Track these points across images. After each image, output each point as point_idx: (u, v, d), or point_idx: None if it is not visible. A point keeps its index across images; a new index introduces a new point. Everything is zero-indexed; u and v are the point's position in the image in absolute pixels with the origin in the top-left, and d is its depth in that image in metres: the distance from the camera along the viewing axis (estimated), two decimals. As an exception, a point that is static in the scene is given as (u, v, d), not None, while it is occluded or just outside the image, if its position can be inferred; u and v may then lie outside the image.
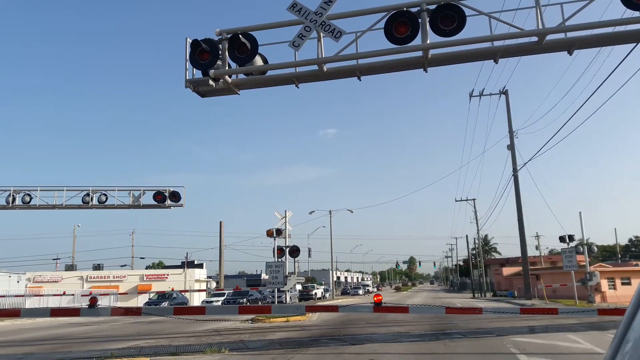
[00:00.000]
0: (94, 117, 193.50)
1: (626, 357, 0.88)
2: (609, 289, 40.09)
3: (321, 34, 11.17)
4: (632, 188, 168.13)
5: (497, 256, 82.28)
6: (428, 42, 10.79)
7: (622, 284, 40.40)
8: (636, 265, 49.66)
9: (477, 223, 59.36)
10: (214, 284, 61.14)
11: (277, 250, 25.82)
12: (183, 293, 41.15)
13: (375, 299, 11.50)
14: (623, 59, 15.27)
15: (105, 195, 28.37)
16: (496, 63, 11.92)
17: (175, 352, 12.31)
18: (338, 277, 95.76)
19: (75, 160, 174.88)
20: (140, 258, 68.13)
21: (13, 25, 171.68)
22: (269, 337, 15.25)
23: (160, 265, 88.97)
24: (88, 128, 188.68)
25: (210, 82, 11.72)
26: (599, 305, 26.80)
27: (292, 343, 13.71)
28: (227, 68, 11.79)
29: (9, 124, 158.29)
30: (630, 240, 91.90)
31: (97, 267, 60.03)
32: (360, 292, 71.49)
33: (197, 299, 46.70)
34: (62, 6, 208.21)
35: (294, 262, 34.60)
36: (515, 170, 39.91)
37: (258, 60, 11.92)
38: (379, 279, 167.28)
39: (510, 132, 41.05)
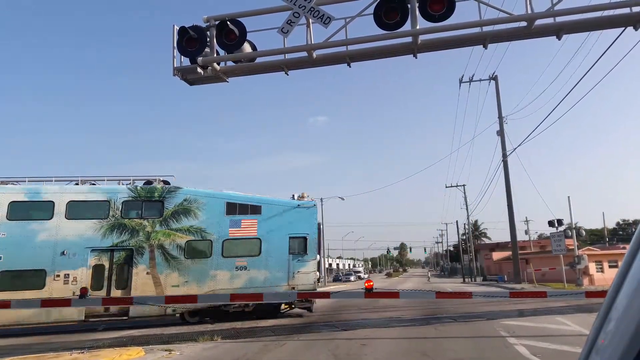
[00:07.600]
0: (84, 109, 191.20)
1: (609, 335, 0.88)
2: (597, 272, 40.71)
3: (310, 19, 11.05)
4: (620, 172, 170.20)
5: (487, 241, 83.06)
6: (418, 27, 10.73)
7: (610, 266, 41.04)
8: (623, 248, 50.38)
9: (467, 208, 59.94)
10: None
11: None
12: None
13: (366, 284, 11.59)
14: (611, 44, 15.33)
15: (94, 184, 28.11)
16: (485, 48, 11.87)
17: (168, 340, 12.34)
18: (330, 264, 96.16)
19: (64, 151, 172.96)
20: (131, 248, 67.57)
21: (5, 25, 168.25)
22: (261, 324, 15.33)
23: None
24: (78, 120, 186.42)
25: (199, 69, 11.56)
26: (587, 288, 27.18)
27: (284, 329, 13.79)
28: (215, 55, 11.65)
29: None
30: (617, 223, 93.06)
31: (88, 258, 59.53)
32: (352, 278, 72.02)
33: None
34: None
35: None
36: (504, 156, 40.14)
37: (247, 47, 11.78)
38: (370, 266, 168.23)
39: (500, 117, 41.23)
